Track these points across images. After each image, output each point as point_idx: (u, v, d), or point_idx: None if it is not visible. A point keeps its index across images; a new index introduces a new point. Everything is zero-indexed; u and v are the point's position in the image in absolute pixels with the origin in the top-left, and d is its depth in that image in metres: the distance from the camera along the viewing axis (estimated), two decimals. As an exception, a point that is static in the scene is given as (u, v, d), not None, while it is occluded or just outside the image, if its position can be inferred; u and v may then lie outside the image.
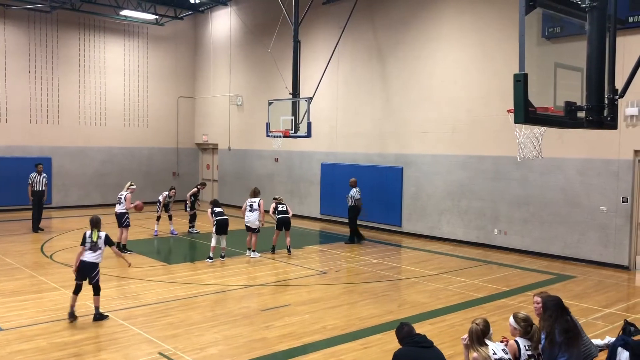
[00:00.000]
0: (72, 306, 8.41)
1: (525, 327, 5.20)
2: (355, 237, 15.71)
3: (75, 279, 8.49)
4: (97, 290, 8.51)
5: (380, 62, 17.74)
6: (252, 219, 13.34)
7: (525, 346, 5.09)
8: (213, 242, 12.93)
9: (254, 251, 13.46)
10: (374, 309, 9.35)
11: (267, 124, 17.37)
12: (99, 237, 8.57)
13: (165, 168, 25.05)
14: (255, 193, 13.78)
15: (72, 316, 8.36)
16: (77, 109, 22.60)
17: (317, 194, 19.94)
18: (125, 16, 22.84)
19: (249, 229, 13.45)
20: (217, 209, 13.09)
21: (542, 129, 7.85)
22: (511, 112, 5.41)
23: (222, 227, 12.85)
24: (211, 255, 12.84)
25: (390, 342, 7.16)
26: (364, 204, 16.50)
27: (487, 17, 15.01)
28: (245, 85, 23.14)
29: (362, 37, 18.23)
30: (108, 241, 8.69)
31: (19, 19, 21.07)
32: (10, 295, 9.78)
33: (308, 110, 16.47)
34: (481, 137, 15.17)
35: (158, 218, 16.40)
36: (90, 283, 8.47)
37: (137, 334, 7.87)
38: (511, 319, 5.33)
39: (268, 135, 17.40)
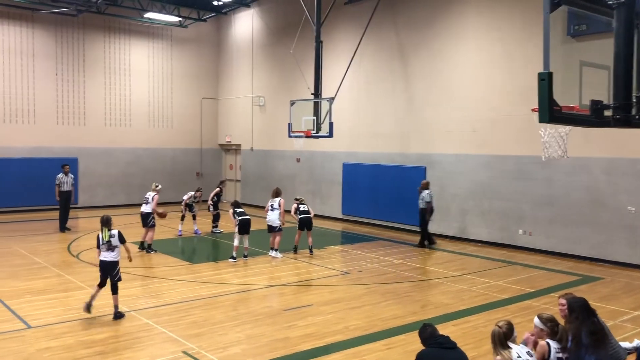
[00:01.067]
0: (93, 297, 8.61)
1: (552, 327, 5.11)
2: (425, 241, 15.24)
3: (100, 278, 8.71)
4: (115, 290, 8.65)
5: (402, 62, 17.67)
6: (273, 217, 13.48)
7: (555, 348, 5.00)
8: (236, 242, 13.02)
9: (276, 250, 13.53)
10: (397, 309, 9.32)
11: (289, 124, 17.41)
12: (111, 236, 8.65)
13: (189, 168, 25.29)
14: (276, 193, 13.90)
15: (88, 308, 8.51)
16: (102, 110, 22.95)
17: (338, 194, 19.94)
18: (149, 19, 23.12)
19: (270, 228, 13.56)
20: (239, 210, 13.19)
21: (567, 128, 7.75)
22: (535, 111, 5.34)
23: (244, 227, 12.94)
24: (234, 254, 12.93)
25: (413, 343, 7.13)
26: (386, 203, 16.45)
27: (509, 15, 14.85)
28: (267, 86, 23.24)
29: (384, 37, 18.18)
30: (121, 238, 8.73)
31: (47, 23, 21.48)
32: (38, 293, 9.98)
33: (330, 110, 16.47)
34: (504, 136, 15.01)
35: (182, 218, 16.59)
36: (111, 281, 8.63)
37: (162, 333, 7.96)
38: (536, 320, 5.24)
39: (290, 136, 17.44)
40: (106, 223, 8.69)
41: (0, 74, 20.63)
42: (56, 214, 17.36)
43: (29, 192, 20.79)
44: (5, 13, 20.61)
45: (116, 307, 8.63)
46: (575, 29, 10.27)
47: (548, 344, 5.02)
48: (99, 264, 8.66)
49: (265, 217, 13.71)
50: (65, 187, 16.94)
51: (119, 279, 8.69)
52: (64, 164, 17.65)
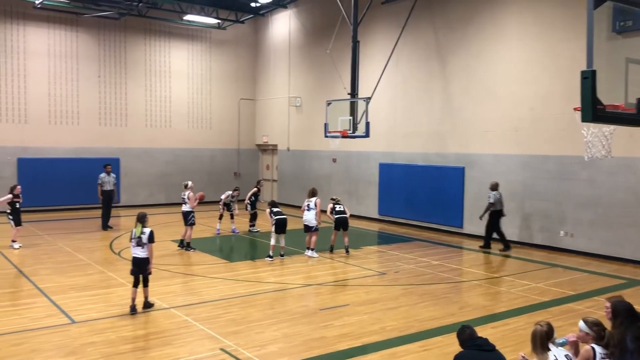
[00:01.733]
0: (134, 299, 8.88)
1: (598, 331, 4.94)
2: (489, 243, 14.84)
3: (131, 273, 9.00)
4: (146, 282, 9.03)
5: (440, 61, 17.49)
6: (309, 217, 13.57)
7: (601, 353, 4.85)
8: (272, 241, 13.12)
9: (312, 250, 13.59)
10: (434, 311, 9.23)
11: (325, 124, 17.44)
12: (142, 233, 8.91)
13: (227, 168, 25.61)
14: (312, 193, 13.99)
15: (133, 310, 8.80)
16: (143, 111, 23.45)
17: (375, 194, 19.87)
18: (188, 21, 23.50)
19: (307, 228, 13.63)
20: (275, 209, 13.28)
21: (612, 127, 7.54)
22: (578, 110, 5.23)
23: (280, 226, 13.03)
24: (271, 253, 13.03)
25: (451, 345, 7.06)
26: (423, 204, 16.28)
27: (550, 12, 14.54)
28: (304, 87, 23.34)
29: (421, 36, 18.03)
30: (150, 238, 8.94)
31: (90, 26, 22.07)
32: (82, 289, 10.26)
33: (366, 110, 16.44)
34: (545, 136, 14.70)
35: (220, 217, 16.82)
36: (143, 276, 8.99)
37: (200, 330, 8.09)
38: (582, 324, 5.07)
39: (326, 136, 17.47)
40: (141, 220, 9.00)
41: (46, 76, 21.30)
42: (99, 212, 17.81)
43: (73, 191, 21.40)
44: (51, 18, 21.27)
45: (146, 298, 9.06)
46: (621, 25, 9.98)
47: (593, 348, 4.88)
48: (132, 260, 9.00)
49: (302, 217, 13.79)
50: (108, 187, 17.34)
51: (150, 273, 9.08)
52: (106, 163, 18.09)
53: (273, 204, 13.55)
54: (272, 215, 13.16)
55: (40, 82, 21.17)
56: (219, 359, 7.03)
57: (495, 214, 14.63)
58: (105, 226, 17.33)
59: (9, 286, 10.54)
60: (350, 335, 7.96)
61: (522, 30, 15.30)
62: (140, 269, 8.92)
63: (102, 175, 17.39)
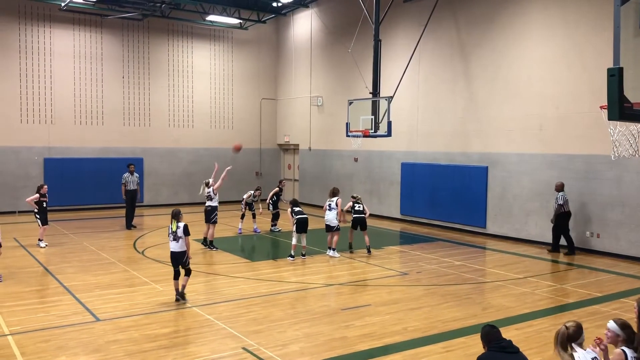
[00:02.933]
0: (177, 290, 9.48)
1: (629, 334, 4.83)
2: (559, 247, 14.17)
3: (173, 266, 9.54)
4: (187, 273, 9.55)
5: (463, 60, 17.33)
6: (330, 217, 13.60)
7: (632, 357, 4.73)
8: (294, 241, 13.15)
9: (334, 250, 13.58)
10: (457, 311, 9.15)
11: (346, 123, 17.42)
12: (177, 227, 9.38)
13: (249, 168, 25.73)
14: (333, 193, 14.02)
15: (180, 298, 9.42)
16: (166, 111, 23.68)
17: (397, 194, 19.78)
18: (211, 21, 23.66)
19: (328, 228, 13.63)
20: (297, 209, 13.30)
21: (639, 125, 7.37)
22: (604, 109, 5.13)
23: (301, 226, 13.05)
24: (292, 253, 13.06)
25: (474, 346, 6.99)
26: (446, 203, 16.12)
27: (575, 9, 14.30)
28: (325, 86, 23.34)
29: (444, 34, 17.89)
30: (186, 231, 9.38)
31: (114, 27, 22.37)
32: (106, 288, 10.40)
33: (388, 110, 16.36)
34: (570, 134, 14.47)
35: (242, 216, 16.91)
36: (183, 267, 9.47)
37: (222, 329, 8.13)
38: (612, 325, 4.92)
39: (348, 135, 17.44)
40: (176, 216, 9.49)
41: (71, 77, 21.64)
42: (123, 211, 18.03)
43: (98, 191, 21.72)
44: (76, 20, 21.61)
45: (183, 287, 9.50)
46: (649, 21, 9.75)
47: (624, 352, 4.75)
48: (170, 255, 9.51)
49: (323, 217, 13.79)
50: (131, 186, 17.55)
51: (188, 264, 9.53)
52: (130, 163, 18.31)
53: (294, 203, 13.58)
54: (293, 214, 13.19)
55: (65, 83, 21.52)
56: (241, 358, 7.06)
57: (563, 216, 13.89)
58: (130, 225, 17.54)
59: (36, 284, 10.73)
60: (372, 336, 7.92)
61: (546, 27, 15.08)
62: (178, 262, 9.45)
63: (126, 175, 17.59)
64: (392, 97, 16.71)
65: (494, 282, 11.27)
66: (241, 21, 24.08)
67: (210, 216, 14.22)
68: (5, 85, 20.47)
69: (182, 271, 9.51)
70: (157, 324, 8.30)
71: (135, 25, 22.78)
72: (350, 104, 17.47)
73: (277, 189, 17.39)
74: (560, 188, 13.94)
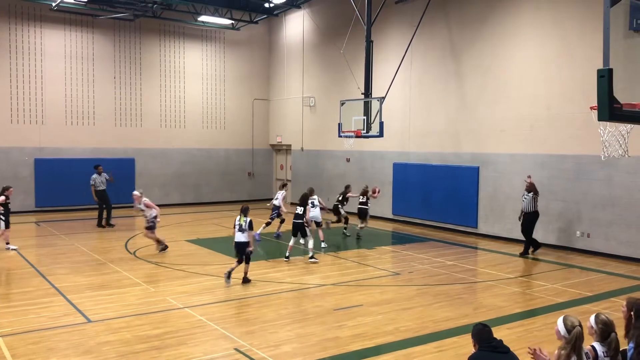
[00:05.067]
0: (233, 269, 10.67)
1: (602, 330, 4.88)
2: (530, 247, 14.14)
3: (236, 253, 10.79)
4: (247, 260, 10.75)
5: (455, 60, 17.40)
6: (316, 214, 14.29)
7: (603, 352, 4.80)
8: (291, 242, 13.15)
9: (322, 241, 14.43)
10: (449, 311, 9.18)
11: (339, 124, 17.44)
12: (244, 221, 10.73)
13: (241, 168, 25.70)
14: (312, 191, 14.71)
15: (228, 277, 10.59)
16: (158, 112, 23.60)
17: (389, 194, 19.81)
18: (203, 22, 23.61)
19: (316, 224, 14.29)
20: (296, 212, 13.19)
21: (629, 126, 7.43)
22: (594, 109, 5.17)
23: (295, 229, 13.03)
24: (287, 254, 13.03)
25: (465, 346, 7.01)
26: (438, 203, 16.13)
27: (567, 10, 14.40)
28: (317, 87, 23.34)
29: (436, 35, 17.95)
30: (250, 226, 10.74)
31: (105, 27, 22.27)
32: (97, 289, 10.35)
33: (380, 110, 16.40)
34: (561, 135, 14.56)
35: (268, 224, 16.13)
36: (245, 255, 10.68)
37: (215, 330, 8.12)
38: (591, 318, 5.03)
39: (340, 136, 17.46)
40: (244, 211, 10.89)
41: (62, 78, 21.53)
42: (117, 212, 17.94)
43: (89, 191, 21.48)
44: (67, 20, 21.50)
45: (245, 273, 10.75)
46: (638, 23, 9.83)
47: (594, 348, 4.81)
48: (234, 244, 10.78)
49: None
50: (100, 187, 17.72)
51: (251, 253, 10.78)
52: (97, 164, 18.39)
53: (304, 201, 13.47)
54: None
55: (56, 84, 21.41)
56: (233, 359, 7.05)
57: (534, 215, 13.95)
58: (100, 224, 17.71)
59: (27, 285, 10.66)
60: (364, 336, 7.94)
61: (537, 29, 15.17)
62: (241, 251, 10.67)
63: (94, 176, 17.74)
64: (384, 98, 16.75)
65: (485, 282, 11.32)
66: (233, 22, 24.05)
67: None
68: (-5, 85, 20.35)
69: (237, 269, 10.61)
70: (149, 325, 8.27)
71: (126, 25, 22.69)
72: (343, 104, 17.50)
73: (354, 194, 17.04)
74: (531, 187, 13.88)
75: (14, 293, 10.05)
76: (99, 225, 17.69)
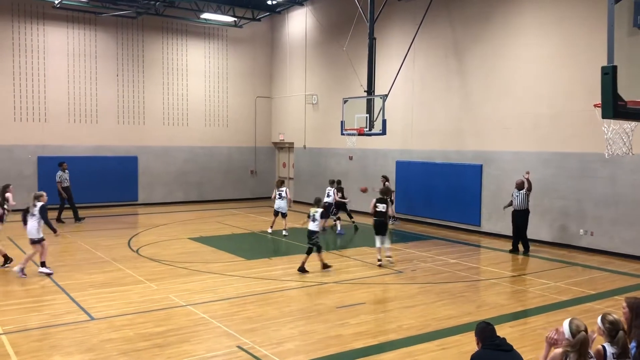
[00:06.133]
0: (304, 262, 11.42)
1: (610, 330, 4.86)
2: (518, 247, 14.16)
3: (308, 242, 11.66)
4: (319, 250, 11.59)
5: (458, 58, 17.35)
6: (283, 204, 15.95)
7: (612, 354, 4.78)
8: (378, 243, 12.56)
9: (285, 229, 15.76)
10: (452, 309, 9.17)
11: (341, 122, 17.42)
12: (315, 212, 11.65)
13: (243, 166, 25.71)
14: (282, 183, 16.42)
15: (302, 270, 11.38)
16: (161, 110, 23.61)
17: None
18: (205, 19, 23.60)
19: (283, 214, 15.93)
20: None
21: (633, 123, 7.39)
22: (598, 107, 5.15)
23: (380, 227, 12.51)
24: (379, 257, 12.45)
25: (468, 344, 7.01)
26: (440, 201, 16.11)
27: (570, 8, 14.34)
28: (320, 84, 23.32)
29: (439, 33, 17.90)
30: (322, 215, 11.87)
31: (108, 25, 22.27)
32: (100, 286, 10.37)
33: (383, 108, 16.38)
34: (565, 133, 14.52)
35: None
36: (315, 245, 11.52)
37: (217, 327, 8.12)
38: (599, 318, 5.00)
39: (343, 134, 17.45)
40: (317, 203, 12.01)
41: (65, 75, 21.55)
42: (117, 210, 18.10)
43: (92, 189, 21.61)
44: (70, 17, 21.50)
45: (321, 261, 11.61)
46: (642, 20, 9.79)
47: (604, 347, 4.79)
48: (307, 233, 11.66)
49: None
50: (66, 183, 17.94)
51: (316, 244, 11.54)
52: (61, 162, 18.51)
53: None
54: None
55: (59, 81, 21.43)
56: (236, 357, 7.06)
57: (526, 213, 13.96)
58: (78, 219, 18.01)
59: (30, 283, 10.67)
60: (367, 334, 7.94)
61: (541, 26, 15.12)
62: (311, 240, 11.51)
63: (60, 173, 17.97)
64: (386, 95, 16.73)
65: (488, 280, 11.30)
66: (236, 19, 24.03)
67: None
68: (-2, 83, 20.38)
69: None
70: (152, 323, 8.28)
71: (129, 23, 22.69)
72: (345, 102, 17.48)
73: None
74: (520, 186, 13.87)
75: (17, 290, 10.07)
76: (59, 220, 17.82)
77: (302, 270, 11.38)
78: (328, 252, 13.79)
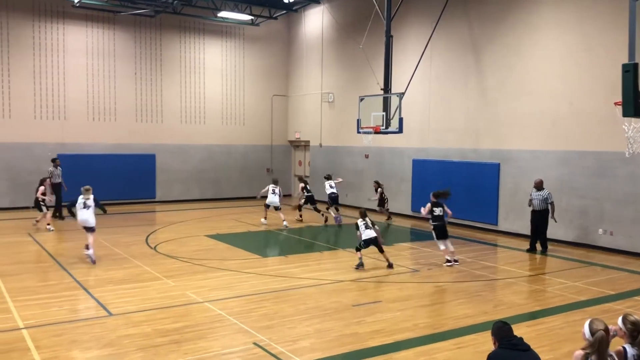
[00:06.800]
0: (360, 258, 11.82)
1: (631, 330, 4.79)
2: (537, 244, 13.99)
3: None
4: (380, 249, 11.91)
5: (475, 56, 17.23)
6: (275, 199, 16.98)
7: (633, 355, 4.72)
8: (442, 246, 12.56)
9: (284, 221, 16.75)
10: (468, 308, 9.13)
11: (357, 120, 17.39)
12: (368, 220, 12.00)
13: (260, 165, 25.79)
14: (276, 181, 17.45)
15: (360, 266, 11.76)
16: (178, 108, 23.78)
17: (408, 190, 19.73)
18: (222, 18, 23.70)
19: (276, 208, 17.03)
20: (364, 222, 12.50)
21: (655, 122, 7.30)
22: (619, 105, 5.09)
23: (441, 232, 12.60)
24: (448, 258, 12.42)
25: (485, 344, 6.97)
26: (457, 200, 16.02)
27: (589, 5, 14.16)
28: (336, 83, 23.31)
29: (456, 30, 17.79)
30: (373, 223, 12.07)
31: (126, 24, 22.47)
32: (119, 283, 10.48)
33: (399, 106, 16.32)
34: (583, 131, 14.35)
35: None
36: (377, 247, 11.86)
37: (234, 324, 8.17)
38: (619, 319, 4.95)
39: (359, 132, 17.42)
40: (364, 215, 12.13)
41: (84, 74, 21.79)
42: (135, 207, 18.19)
43: (110, 186, 21.80)
44: (89, 16, 21.74)
45: (387, 260, 11.91)
46: (664, 16, 9.65)
47: (624, 349, 4.73)
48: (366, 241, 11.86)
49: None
50: (56, 179, 18.14)
51: (382, 243, 12.09)
52: (54, 158, 18.80)
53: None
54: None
55: (78, 80, 21.67)
56: (252, 353, 7.09)
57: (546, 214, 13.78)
58: (62, 216, 18.13)
59: (50, 279, 10.83)
60: (383, 332, 7.93)
61: (560, 23, 14.96)
62: (375, 243, 11.79)
63: (51, 169, 18.20)
64: (403, 94, 16.67)
65: (505, 279, 11.23)
66: (252, 17, 24.10)
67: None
68: (18, 81, 20.65)
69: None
70: (169, 319, 8.35)
71: (147, 21, 22.87)
72: (362, 100, 17.44)
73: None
74: (539, 186, 13.74)
75: (37, 286, 10.22)
76: (61, 217, 18.06)
77: (390, 266, 11.84)
78: (342, 249, 13.80)
